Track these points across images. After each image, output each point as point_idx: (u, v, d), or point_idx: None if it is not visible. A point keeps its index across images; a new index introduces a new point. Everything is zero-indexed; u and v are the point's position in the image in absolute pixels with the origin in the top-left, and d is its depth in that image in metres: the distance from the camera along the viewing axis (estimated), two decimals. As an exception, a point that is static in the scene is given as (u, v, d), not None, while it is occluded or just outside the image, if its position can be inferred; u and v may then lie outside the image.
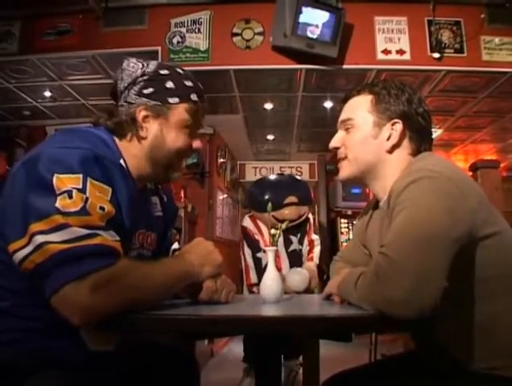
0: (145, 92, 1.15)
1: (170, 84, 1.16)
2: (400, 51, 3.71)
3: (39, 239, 0.87)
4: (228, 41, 3.73)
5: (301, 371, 2.84)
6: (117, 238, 0.96)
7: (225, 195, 6.17)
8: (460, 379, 1.03)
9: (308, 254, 2.96)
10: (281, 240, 2.87)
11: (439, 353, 1.10)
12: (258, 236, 2.95)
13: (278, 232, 1.40)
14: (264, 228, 2.97)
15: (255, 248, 2.91)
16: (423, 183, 1.01)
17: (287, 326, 0.96)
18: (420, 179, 1.02)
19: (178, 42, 3.72)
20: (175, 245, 1.43)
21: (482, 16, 3.68)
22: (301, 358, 2.87)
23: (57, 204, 0.90)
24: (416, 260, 0.91)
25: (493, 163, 5.73)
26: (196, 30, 3.74)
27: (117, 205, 1.02)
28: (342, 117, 1.27)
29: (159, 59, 3.61)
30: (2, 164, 4.58)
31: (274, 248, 1.33)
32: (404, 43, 3.72)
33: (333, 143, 1.28)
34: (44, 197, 0.91)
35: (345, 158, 1.25)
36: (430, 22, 3.70)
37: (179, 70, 1.22)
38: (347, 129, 1.25)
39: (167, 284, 1.05)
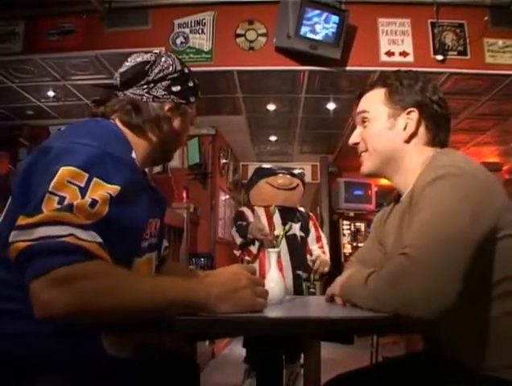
0: (173, 89, 1.20)
1: (191, 84, 1.24)
2: (403, 53, 3.71)
3: (12, 235, 0.87)
4: (231, 42, 3.73)
5: (302, 372, 2.84)
6: (98, 240, 0.89)
7: (227, 196, 6.17)
8: (466, 381, 1.02)
9: (320, 248, 3.05)
10: (279, 222, 2.91)
11: (450, 353, 1.09)
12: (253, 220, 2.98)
13: (282, 233, 1.40)
14: (261, 213, 3.00)
15: (244, 230, 2.92)
16: (447, 181, 1.01)
17: (289, 327, 0.96)
18: (444, 177, 1.02)
19: (181, 42, 3.73)
20: (166, 243, 1.41)
21: (486, 18, 3.68)
22: (302, 360, 2.88)
23: (44, 203, 0.88)
24: (437, 261, 0.92)
25: (495, 166, 5.74)
26: (200, 31, 3.75)
27: (128, 202, 0.99)
28: (357, 110, 1.30)
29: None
30: (5, 163, 4.59)
31: (277, 249, 1.33)
32: (407, 44, 3.72)
33: (352, 139, 1.30)
34: (37, 192, 0.90)
35: (366, 150, 1.27)
36: (433, 25, 3.70)
37: (189, 68, 1.29)
38: (363, 123, 1.27)
39: (155, 308, 0.91)
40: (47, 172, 0.92)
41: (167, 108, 1.19)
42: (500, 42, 3.69)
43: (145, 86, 1.18)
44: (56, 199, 0.88)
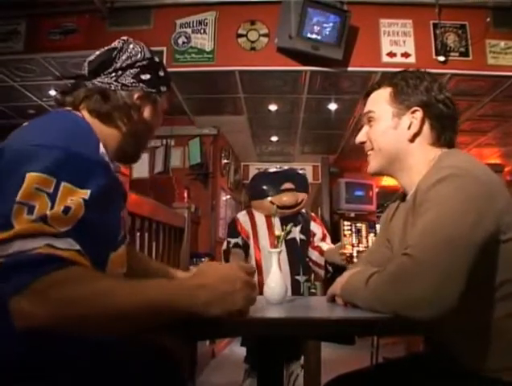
0: (143, 77, 1.16)
1: (161, 73, 1.21)
2: (405, 54, 3.71)
3: None
4: (233, 42, 3.73)
5: (302, 373, 2.84)
6: (75, 247, 0.84)
7: (228, 196, 6.17)
8: (467, 382, 1.02)
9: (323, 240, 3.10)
10: (279, 223, 2.89)
11: (450, 355, 1.09)
12: (247, 232, 2.95)
13: (283, 234, 1.40)
14: (260, 218, 2.97)
15: (227, 254, 2.91)
16: (450, 183, 1.01)
17: (290, 327, 0.96)
18: (448, 178, 1.02)
19: (183, 42, 3.73)
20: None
21: (488, 20, 3.68)
22: (302, 360, 2.87)
23: (13, 215, 0.82)
24: (440, 262, 0.92)
25: (497, 167, 5.74)
26: (202, 31, 3.75)
27: (103, 205, 0.93)
28: (364, 110, 1.30)
29: (164, 60, 3.62)
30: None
31: (278, 249, 1.32)
32: (409, 45, 3.72)
33: (359, 138, 1.31)
34: (4, 202, 0.84)
35: (372, 149, 1.27)
36: (435, 26, 3.70)
37: (159, 57, 1.26)
38: (369, 122, 1.28)
39: (138, 313, 0.85)
40: (11, 179, 0.85)
41: (136, 96, 1.15)
42: (502, 43, 3.69)
43: (113, 74, 1.15)
44: (25, 208, 0.83)
